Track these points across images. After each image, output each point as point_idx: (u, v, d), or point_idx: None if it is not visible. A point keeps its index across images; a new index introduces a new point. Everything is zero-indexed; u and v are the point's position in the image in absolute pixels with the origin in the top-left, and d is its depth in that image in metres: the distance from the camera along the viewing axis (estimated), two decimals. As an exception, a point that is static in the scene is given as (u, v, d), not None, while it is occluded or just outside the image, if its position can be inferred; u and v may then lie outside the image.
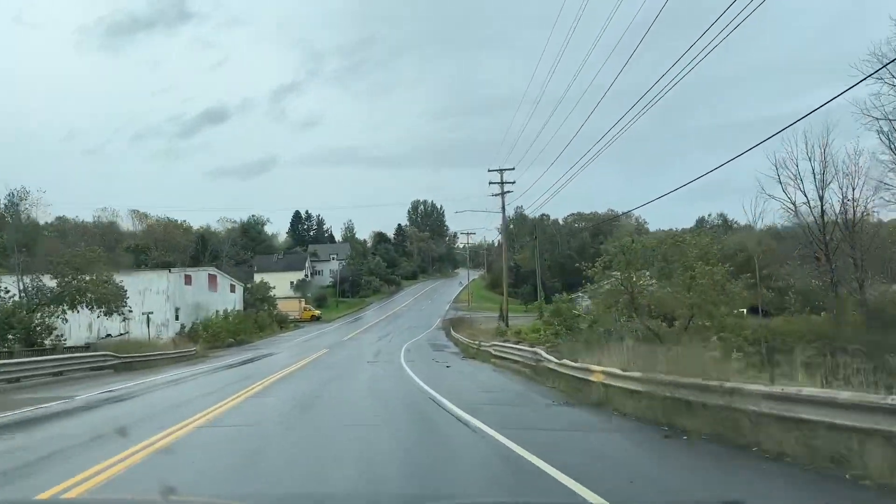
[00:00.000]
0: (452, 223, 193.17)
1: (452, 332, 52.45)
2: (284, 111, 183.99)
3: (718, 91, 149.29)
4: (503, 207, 54.67)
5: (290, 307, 78.32)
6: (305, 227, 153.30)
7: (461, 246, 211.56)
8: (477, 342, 33.31)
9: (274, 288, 77.03)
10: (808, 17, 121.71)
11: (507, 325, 52.03)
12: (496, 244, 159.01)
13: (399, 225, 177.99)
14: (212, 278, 59.05)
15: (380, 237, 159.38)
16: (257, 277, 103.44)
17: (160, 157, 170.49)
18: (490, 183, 53.87)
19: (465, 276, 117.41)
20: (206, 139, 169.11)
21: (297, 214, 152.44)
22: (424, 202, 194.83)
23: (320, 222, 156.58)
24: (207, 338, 49.68)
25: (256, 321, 62.22)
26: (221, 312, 59.63)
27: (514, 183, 53.70)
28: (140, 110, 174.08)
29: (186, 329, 51.09)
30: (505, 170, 53.32)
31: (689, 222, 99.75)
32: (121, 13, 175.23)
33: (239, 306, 66.07)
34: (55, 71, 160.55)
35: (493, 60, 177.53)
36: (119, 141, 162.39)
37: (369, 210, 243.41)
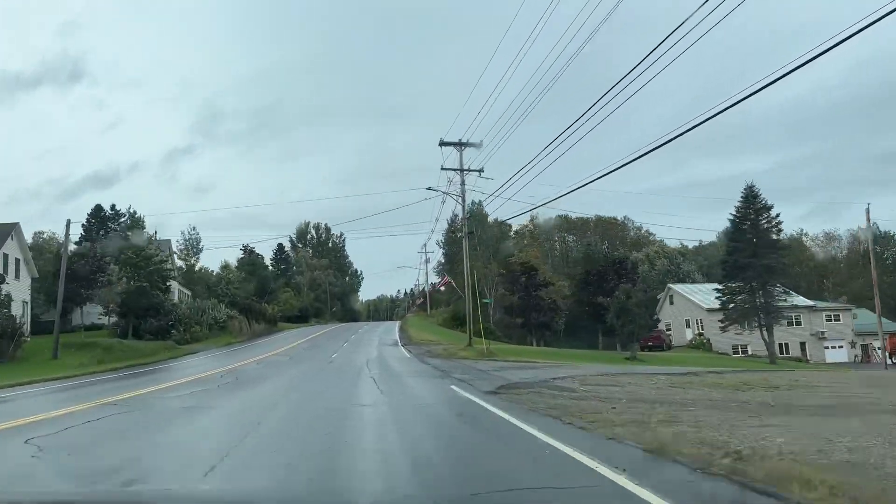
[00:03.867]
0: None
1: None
2: (178, 175, 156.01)
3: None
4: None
5: None
6: (113, 229, 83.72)
7: (361, 301, 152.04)
8: None
9: None
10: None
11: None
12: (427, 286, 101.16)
13: (280, 245, 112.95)
14: None
15: (249, 254, 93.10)
16: None
17: (33, 221, 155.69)
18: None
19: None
20: (92, 202, 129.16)
21: (97, 210, 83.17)
22: (317, 225, 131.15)
23: (136, 222, 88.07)
24: None
25: None
26: None
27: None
28: (17, 173, 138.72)
29: None
30: None
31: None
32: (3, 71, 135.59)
33: None
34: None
35: (403, 130, 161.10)
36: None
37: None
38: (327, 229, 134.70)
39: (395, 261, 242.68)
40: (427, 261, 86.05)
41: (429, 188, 33.55)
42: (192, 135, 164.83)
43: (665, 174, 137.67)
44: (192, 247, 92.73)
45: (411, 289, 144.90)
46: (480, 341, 32.55)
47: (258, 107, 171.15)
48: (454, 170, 32.39)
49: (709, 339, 51.38)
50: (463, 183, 32.33)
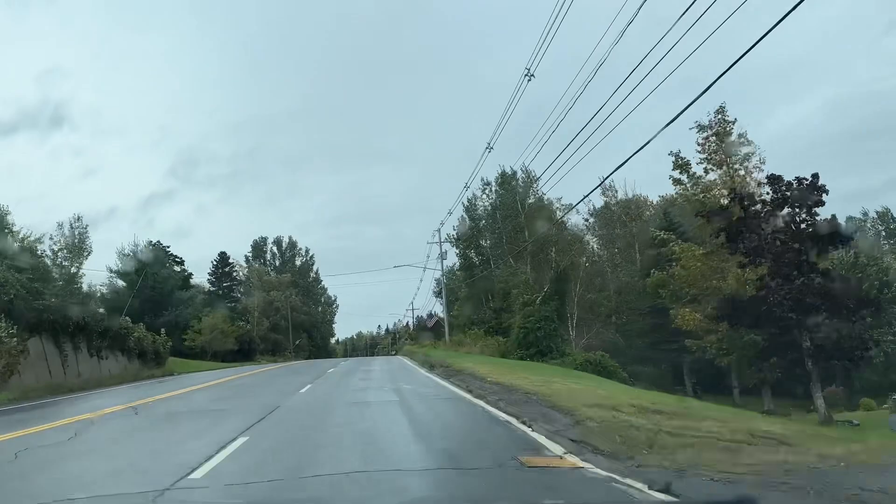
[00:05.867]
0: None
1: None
2: (157, 220, 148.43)
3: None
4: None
5: None
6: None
7: (336, 340, 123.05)
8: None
9: None
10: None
11: None
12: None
13: (222, 254, 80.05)
14: None
15: (159, 253, 59.47)
16: None
17: None
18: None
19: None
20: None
21: None
22: (279, 239, 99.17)
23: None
24: None
25: None
26: None
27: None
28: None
29: None
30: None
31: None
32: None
33: None
34: None
35: (385, 174, 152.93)
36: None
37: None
38: (292, 244, 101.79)
39: (377, 300, 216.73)
40: (442, 254, 53.43)
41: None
42: (170, 179, 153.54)
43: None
44: (74, 247, 59.50)
45: (395, 322, 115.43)
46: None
47: (238, 152, 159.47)
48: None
49: None
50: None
